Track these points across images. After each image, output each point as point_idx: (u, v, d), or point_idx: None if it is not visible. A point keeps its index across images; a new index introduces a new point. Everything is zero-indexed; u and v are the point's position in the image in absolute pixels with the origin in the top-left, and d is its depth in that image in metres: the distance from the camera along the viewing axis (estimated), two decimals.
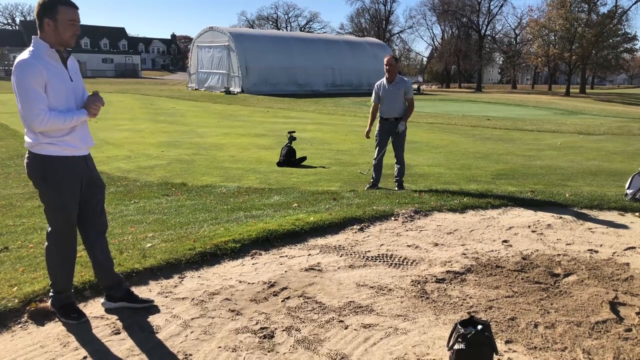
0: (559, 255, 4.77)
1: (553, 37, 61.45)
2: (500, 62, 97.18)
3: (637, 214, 6.09)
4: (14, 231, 5.35)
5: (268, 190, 7.24)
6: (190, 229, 5.10)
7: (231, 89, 38.49)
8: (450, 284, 4.07)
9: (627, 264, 4.58)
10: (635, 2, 61.55)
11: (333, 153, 11.80)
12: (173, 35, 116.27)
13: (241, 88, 38.18)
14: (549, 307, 3.67)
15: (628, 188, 6.62)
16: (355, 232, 5.22)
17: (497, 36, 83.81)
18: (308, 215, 5.52)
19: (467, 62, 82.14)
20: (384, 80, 7.36)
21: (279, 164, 9.80)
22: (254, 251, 4.56)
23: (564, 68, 66.93)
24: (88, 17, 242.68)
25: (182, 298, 3.66)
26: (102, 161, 9.95)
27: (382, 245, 4.88)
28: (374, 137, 7.51)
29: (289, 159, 9.88)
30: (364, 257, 4.56)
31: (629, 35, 62.24)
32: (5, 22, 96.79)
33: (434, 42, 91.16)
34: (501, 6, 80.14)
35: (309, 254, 4.57)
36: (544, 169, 9.58)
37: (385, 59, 7.33)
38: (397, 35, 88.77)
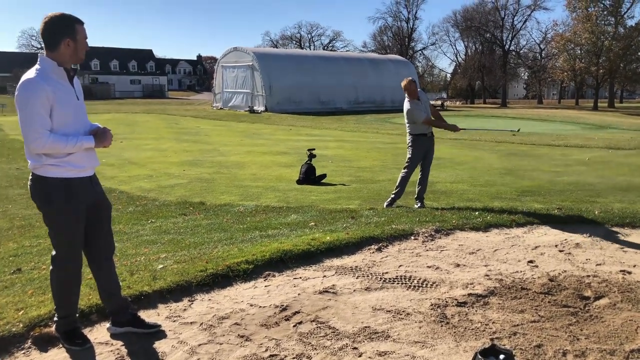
0: (589, 276, 4.52)
1: (579, 51, 60.60)
2: (526, 77, 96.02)
3: None
4: (29, 252, 5.33)
5: (286, 209, 7.12)
6: (204, 250, 4.99)
7: (255, 107, 38.77)
8: (472, 307, 3.87)
9: None
10: None
11: (354, 170, 11.66)
12: (199, 56, 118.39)
13: (265, 107, 38.42)
14: (579, 333, 3.43)
15: None
16: (373, 252, 5.05)
17: (521, 51, 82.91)
18: (324, 234, 5.37)
19: (491, 77, 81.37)
20: (407, 99, 7.24)
21: (299, 182, 9.70)
22: (267, 273, 4.42)
23: (591, 82, 65.80)
24: (117, 41, 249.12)
25: (191, 322, 3.53)
26: (124, 180, 9.99)
27: (400, 266, 4.70)
28: (406, 151, 7.39)
29: (309, 176, 9.77)
30: (381, 278, 4.38)
31: None
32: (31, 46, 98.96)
33: (457, 58, 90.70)
34: (525, 21, 78.66)
35: (324, 276, 4.42)
36: (571, 185, 9.26)
37: (403, 85, 7.21)
38: (420, 52, 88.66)
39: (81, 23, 3.05)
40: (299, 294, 4.02)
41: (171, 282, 4.04)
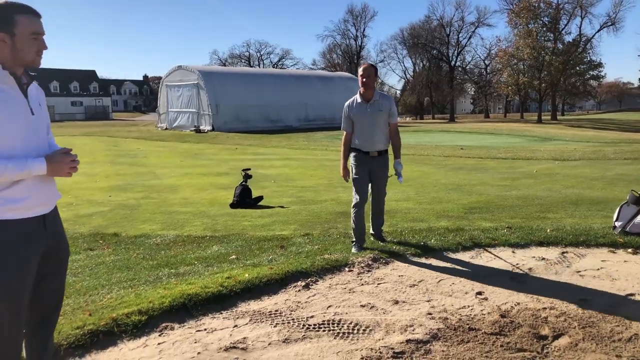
0: (545, 309, 3.92)
1: (522, 66, 62.32)
2: (472, 92, 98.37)
3: (629, 250, 5.28)
4: None
5: (209, 239, 6.29)
6: (95, 296, 4.13)
7: (201, 127, 37.64)
8: (411, 359, 3.17)
9: (629, 318, 3.74)
10: (598, 31, 63.13)
11: (296, 190, 10.94)
12: (145, 76, 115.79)
13: (212, 126, 37.36)
14: None
15: (616, 220, 5.83)
16: (299, 291, 4.29)
17: (467, 67, 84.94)
18: (244, 270, 4.59)
19: (439, 93, 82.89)
20: (357, 98, 5.44)
21: (232, 206, 8.88)
22: (164, 325, 3.59)
23: (534, 96, 67.83)
24: (58, 60, 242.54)
25: None
26: None
27: (329, 307, 3.96)
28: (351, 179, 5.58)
29: (244, 199, 8.97)
30: (304, 325, 3.63)
31: (594, 63, 63.48)
32: None
33: (405, 75, 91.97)
34: (470, 37, 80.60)
35: (235, 325, 3.63)
36: (520, 199, 8.82)
37: (361, 68, 5.33)
38: None
39: (26, 12, 2.23)
40: (198, 353, 3.22)
41: None
